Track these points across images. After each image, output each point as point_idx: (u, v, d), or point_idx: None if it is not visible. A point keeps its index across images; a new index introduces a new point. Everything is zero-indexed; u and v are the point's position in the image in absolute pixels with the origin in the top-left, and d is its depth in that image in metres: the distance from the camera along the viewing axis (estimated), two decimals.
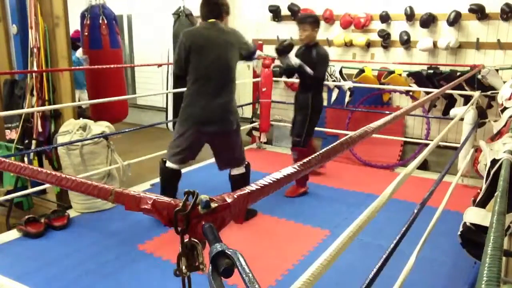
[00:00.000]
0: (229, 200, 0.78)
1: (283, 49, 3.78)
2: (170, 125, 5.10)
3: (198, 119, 3.18)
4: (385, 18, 5.20)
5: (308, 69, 3.77)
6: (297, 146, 4.06)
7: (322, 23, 5.67)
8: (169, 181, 3.35)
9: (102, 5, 4.13)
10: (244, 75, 6.43)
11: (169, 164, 3.32)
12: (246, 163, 3.46)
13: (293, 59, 3.79)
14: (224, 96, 3.17)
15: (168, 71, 5.13)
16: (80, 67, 4.64)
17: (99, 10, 4.09)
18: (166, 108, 5.25)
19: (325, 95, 5.84)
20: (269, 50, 6.01)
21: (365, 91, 5.25)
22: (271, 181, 0.90)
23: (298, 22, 3.94)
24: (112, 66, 4.18)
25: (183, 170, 3.38)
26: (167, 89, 5.24)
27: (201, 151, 3.43)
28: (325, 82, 5.69)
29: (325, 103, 5.81)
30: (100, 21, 4.08)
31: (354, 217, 1.28)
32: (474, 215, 1.75)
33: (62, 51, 3.75)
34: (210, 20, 3.17)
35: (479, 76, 4.39)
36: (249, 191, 0.84)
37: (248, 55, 3.35)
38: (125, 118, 4.57)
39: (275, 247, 3.12)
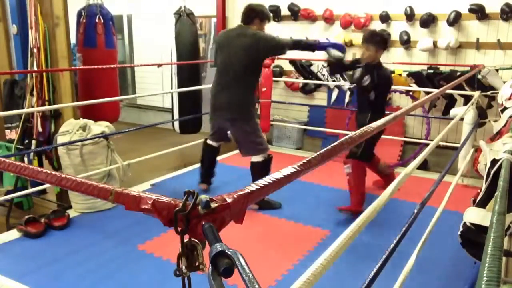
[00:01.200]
0: (229, 200, 0.78)
1: (336, 62, 3.66)
2: (176, 125, 5.08)
3: (212, 105, 3.72)
4: (385, 18, 5.19)
5: (353, 73, 3.56)
6: (351, 157, 3.61)
7: (322, 23, 5.68)
8: (206, 154, 3.99)
9: (100, 5, 4.12)
10: None
11: (208, 141, 3.98)
12: (267, 154, 3.73)
13: (334, 52, 3.60)
14: (232, 88, 3.54)
15: (171, 71, 5.10)
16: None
17: (96, 9, 4.08)
18: (172, 108, 5.21)
19: (325, 95, 5.85)
20: None
21: None
22: (271, 181, 0.90)
23: (362, 41, 3.61)
24: (112, 66, 4.17)
25: (186, 169, 3.72)
26: (171, 89, 5.21)
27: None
28: (325, 82, 5.71)
29: (325, 103, 5.82)
30: (97, 20, 4.06)
31: (354, 217, 1.28)
32: (474, 215, 1.74)
33: (62, 51, 3.75)
34: (239, 24, 3.65)
35: (479, 76, 4.39)
36: (249, 191, 0.84)
37: (275, 52, 3.75)
38: (116, 120, 4.48)
39: (275, 247, 3.12)
